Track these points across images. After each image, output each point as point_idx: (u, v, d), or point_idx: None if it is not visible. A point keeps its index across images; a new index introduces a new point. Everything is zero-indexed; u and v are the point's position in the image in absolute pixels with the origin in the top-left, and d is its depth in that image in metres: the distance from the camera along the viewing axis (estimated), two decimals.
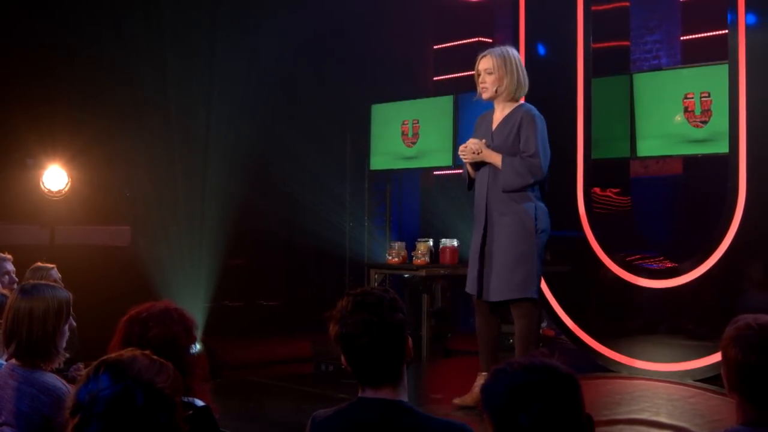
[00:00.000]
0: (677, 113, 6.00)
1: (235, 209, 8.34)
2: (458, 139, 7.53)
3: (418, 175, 9.58)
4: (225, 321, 8.51)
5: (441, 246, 7.01)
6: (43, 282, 3.32)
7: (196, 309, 7.58)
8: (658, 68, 8.11)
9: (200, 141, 8.67)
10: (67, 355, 3.13)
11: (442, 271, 7.02)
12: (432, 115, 8.04)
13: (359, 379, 2.20)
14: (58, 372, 3.02)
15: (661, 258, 6.16)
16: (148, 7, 8.27)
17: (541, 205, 4.46)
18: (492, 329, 4.57)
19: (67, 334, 3.05)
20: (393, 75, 8.90)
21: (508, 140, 4.45)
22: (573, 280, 6.01)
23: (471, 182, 4.64)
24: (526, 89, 4.57)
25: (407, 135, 8.18)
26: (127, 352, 1.71)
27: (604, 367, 5.65)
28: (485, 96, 4.54)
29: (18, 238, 7.50)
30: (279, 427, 4.57)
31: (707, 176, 6.49)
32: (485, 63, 4.51)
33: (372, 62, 8.97)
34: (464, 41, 9.38)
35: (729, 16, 5.33)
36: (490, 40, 9.19)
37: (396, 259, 7.10)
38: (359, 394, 2.21)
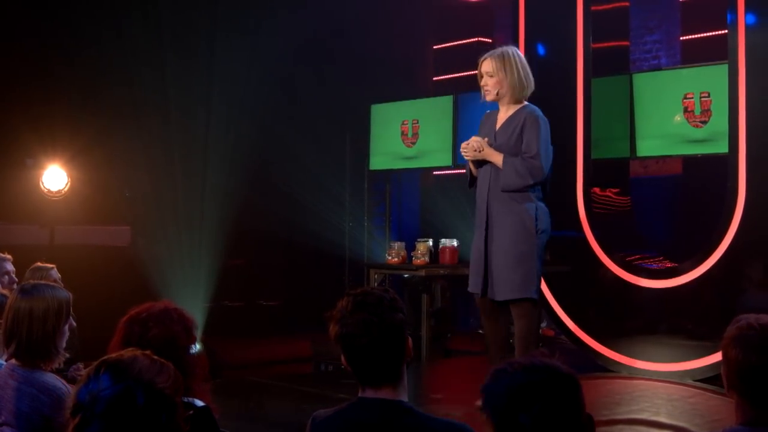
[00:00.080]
0: (677, 113, 6.00)
1: (235, 209, 8.34)
2: (458, 139, 7.53)
3: (417, 175, 9.58)
4: (225, 321, 8.51)
5: (441, 246, 7.01)
6: (43, 282, 3.32)
7: (195, 309, 7.57)
8: (657, 68, 8.11)
9: (200, 141, 8.67)
10: (67, 355, 3.13)
11: (441, 271, 7.02)
12: (432, 115, 8.04)
13: (359, 379, 2.20)
14: (57, 372, 3.02)
15: (661, 258, 6.16)
16: (148, 7, 8.27)
17: (542, 205, 4.47)
18: (498, 330, 4.57)
19: (67, 334, 3.05)
20: (393, 75, 8.90)
21: (511, 140, 4.45)
22: (573, 280, 6.01)
23: (472, 180, 4.65)
24: (531, 89, 4.56)
25: (407, 135, 8.18)
26: (128, 352, 1.71)
27: (604, 367, 5.65)
28: (488, 98, 4.56)
29: (18, 238, 7.50)
30: (279, 427, 4.57)
31: (707, 176, 6.49)
32: (486, 65, 4.52)
33: (372, 62, 8.97)
34: (464, 41, 9.38)
35: (729, 16, 5.33)
36: (490, 41, 9.19)
37: (396, 259, 7.10)
38: (359, 394, 2.21)
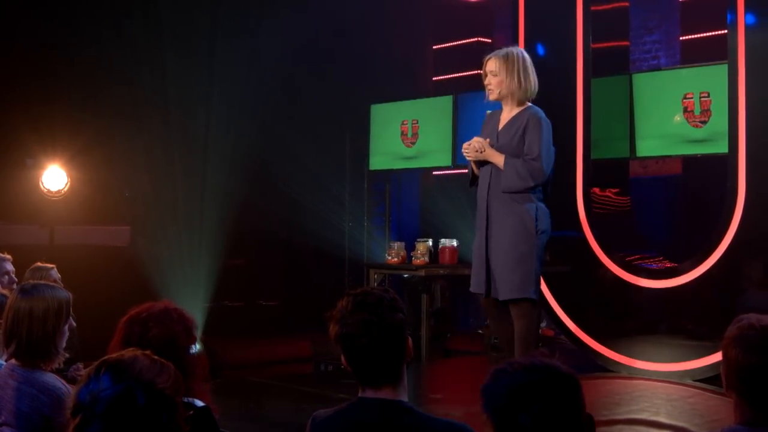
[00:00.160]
0: (676, 113, 6.00)
1: (235, 209, 8.34)
2: (458, 139, 7.53)
3: (417, 175, 9.58)
4: (225, 321, 8.51)
5: (440, 246, 7.02)
6: (42, 282, 3.32)
7: (195, 309, 7.57)
8: (657, 68, 8.11)
9: (200, 141, 8.68)
10: (67, 355, 3.13)
11: (441, 271, 7.02)
12: (431, 115, 8.03)
13: (359, 379, 2.20)
14: (57, 372, 3.02)
15: (661, 258, 6.16)
16: (148, 7, 8.27)
17: (542, 205, 4.47)
18: (505, 329, 4.58)
19: (67, 334, 3.05)
20: (392, 75, 8.90)
21: (513, 141, 4.46)
22: (572, 281, 6.01)
23: (474, 179, 4.66)
24: (535, 91, 4.56)
25: (407, 135, 8.18)
26: (128, 353, 1.70)
27: (604, 367, 5.65)
28: (491, 97, 4.57)
29: (17, 238, 7.50)
30: (279, 427, 4.57)
31: (707, 176, 6.49)
32: (490, 65, 4.53)
33: (371, 62, 8.98)
34: (464, 41, 9.38)
35: (728, 16, 5.33)
36: (490, 41, 9.20)
37: (395, 259, 7.10)
38: (359, 394, 2.21)
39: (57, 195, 7.87)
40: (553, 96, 5.69)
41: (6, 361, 3.02)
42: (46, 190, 7.84)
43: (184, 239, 8.54)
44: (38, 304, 2.94)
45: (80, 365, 4.21)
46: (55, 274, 5.07)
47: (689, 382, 5.25)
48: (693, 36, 7.78)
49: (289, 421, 4.51)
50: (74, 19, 7.91)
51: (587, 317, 5.86)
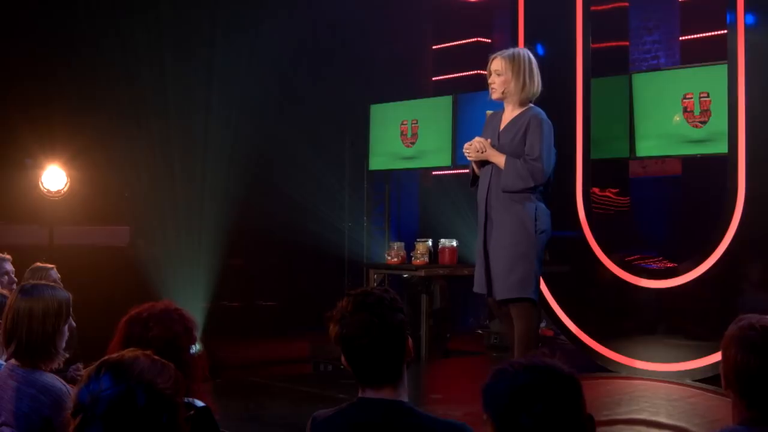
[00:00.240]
0: (676, 113, 6.00)
1: (234, 209, 8.34)
2: (457, 139, 7.53)
3: (417, 176, 9.58)
4: (224, 321, 8.51)
5: (440, 246, 7.02)
6: (42, 282, 3.31)
7: (195, 309, 7.57)
8: (657, 68, 8.12)
9: (199, 141, 8.68)
10: (67, 355, 3.13)
11: (441, 272, 7.02)
12: (431, 115, 8.03)
13: (360, 380, 2.20)
14: (57, 372, 3.02)
15: (660, 258, 6.17)
16: (148, 7, 8.27)
17: (542, 205, 4.47)
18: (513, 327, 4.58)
19: (67, 334, 3.05)
20: (392, 75, 8.90)
21: (514, 142, 4.46)
22: (572, 281, 6.02)
23: (475, 179, 4.67)
24: (538, 92, 4.56)
25: (406, 135, 8.18)
26: (129, 353, 1.70)
27: (604, 367, 5.65)
28: (494, 96, 4.58)
29: (17, 238, 7.50)
30: (279, 427, 4.57)
31: (706, 176, 6.49)
32: (495, 64, 4.54)
33: (371, 62, 8.98)
34: (463, 41, 9.38)
35: (728, 17, 5.33)
36: (489, 41, 9.20)
37: (395, 260, 7.10)
38: (359, 395, 2.21)
39: (56, 195, 7.87)
40: (553, 96, 5.70)
41: (6, 361, 3.02)
42: (45, 190, 7.84)
43: (184, 239, 8.54)
44: (38, 305, 2.94)
45: (80, 365, 4.21)
46: (55, 274, 5.07)
47: (689, 382, 5.26)
48: (692, 36, 7.79)
49: (289, 421, 4.52)
50: (74, 19, 7.91)
51: (587, 317, 5.86)
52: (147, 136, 8.35)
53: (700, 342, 5.31)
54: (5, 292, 3.84)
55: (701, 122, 5.87)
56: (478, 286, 4.56)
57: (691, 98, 5.91)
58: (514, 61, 4.49)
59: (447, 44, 9.63)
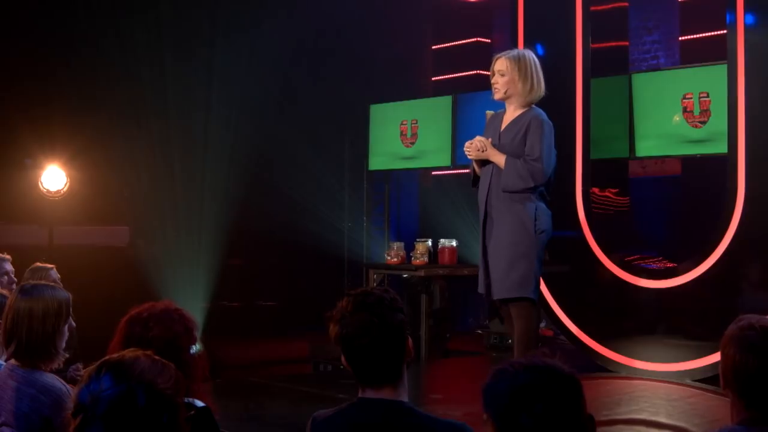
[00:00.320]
0: (676, 113, 6.00)
1: (234, 209, 8.34)
2: (457, 140, 7.54)
3: (416, 176, 9.58)
4: (224, 321, 8.51)
5: (440, 246, 7.02)
6: (42, 282, 3.31)
7: (195, 309, 7.57)
8: (656, 68, 8.12)
9: (199, 141, 8.68)
10: (67, 355, 3.13)
11: (440, 272, 7.02)
12: (430, 115, 8.03)
13: (360, 380, 2.20)
14: (57, 372, 3.02)
15: (660, 258, 6.17)
16: (148, 7, 8.27)
17: (542, 205, 4.47)
18: None
19: (67, 334, 3.05)
20: (391, 75, 8.90)
21: (514, 142, 4.47)
22: (572, 281, 6.02)
23: (476, 179, 4.67)
24: (541, 94, 4.57)
25: (406, 135, 8.18)
26: (129, 353, 1.70)
27: (604, 368, 5.66)
28: (496, 96, 4.58)
29: (17, 238, 7.50)
30: (279, 427, 4.57)
31: (706, 176, 6.49)
32: (499, 64, 4.54)
33: (370, 62, 8.98)
34: (463, 41, 9.38)
35: (728, 17, 5.33)
36: (489, 41, 9.20)
37: (395, 260, 7.10)
38: (359, 395, 2.21)
39: (56, 195, 7.86)
40: (553, 96, 5.70)
41: (6, 361, 3.02)
42: (45, 190, 7.84)
43: (184, 239, 8.54)
44: (38, 305, 2.94)
45: (80, 365, 4.21)
46: (55, 274, 5.07)
47: (689, 382, 5.26)
48: (692, 36, 7.79)
49: (289, 421, 4.52)
50: (74, 19, 7.91)
51: (587, 317, 5.87)
52: (147, 136, 8.35)
53: (699, 342, 5.31)
54: (5, 292, 3.84)
55: (701, 122, 5.87)
56: (481, 287, 4.57)
57: (691, 98, 5.91)
58: (520, 63, 4.49)
59: (447, 44, 9.63)
